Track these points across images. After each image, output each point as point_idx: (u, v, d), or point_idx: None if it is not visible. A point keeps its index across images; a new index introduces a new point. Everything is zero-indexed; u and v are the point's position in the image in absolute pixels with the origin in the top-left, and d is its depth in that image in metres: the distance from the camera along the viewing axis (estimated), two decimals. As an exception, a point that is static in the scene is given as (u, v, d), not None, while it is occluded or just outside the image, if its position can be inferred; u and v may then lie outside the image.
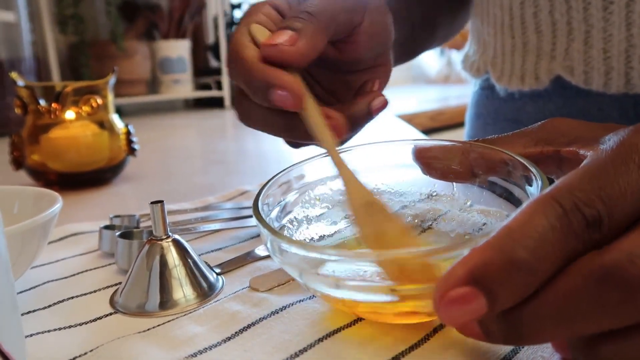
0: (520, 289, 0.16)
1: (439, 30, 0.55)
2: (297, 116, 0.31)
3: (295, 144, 0.38)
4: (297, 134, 0.32)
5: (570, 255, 0.17)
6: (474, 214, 0.30)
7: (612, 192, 0.17)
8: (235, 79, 0.32)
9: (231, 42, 0.32)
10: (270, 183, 0.29)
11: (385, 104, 0.35)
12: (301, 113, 0.30)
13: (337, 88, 0.37)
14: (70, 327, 0.26)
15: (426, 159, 0.29)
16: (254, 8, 0.34)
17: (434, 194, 0.32)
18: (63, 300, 0.29)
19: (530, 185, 0.24)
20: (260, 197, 0.27)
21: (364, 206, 0.27)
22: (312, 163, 0.31)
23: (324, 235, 0.31)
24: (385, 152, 0.32)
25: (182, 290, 0.28)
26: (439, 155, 0.29)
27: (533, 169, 0.24)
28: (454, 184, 0.31)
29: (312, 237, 0.30)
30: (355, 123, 0.33)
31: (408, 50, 0.50)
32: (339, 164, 0.28)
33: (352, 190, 0.27)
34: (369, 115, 0.34)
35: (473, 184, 0.29)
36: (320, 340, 0.24)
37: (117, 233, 0.34)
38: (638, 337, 0.16)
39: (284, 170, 0.30)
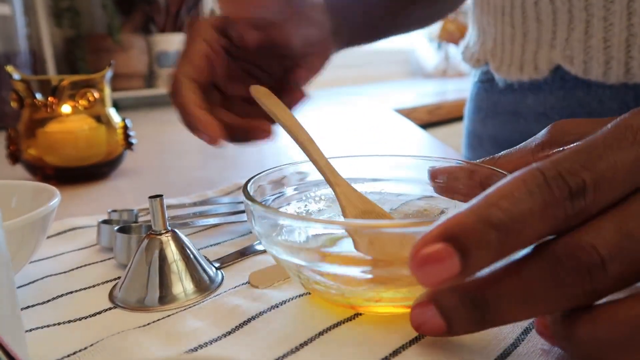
0: (493, 250, 0.16)
1: (406, 17, 0.56)
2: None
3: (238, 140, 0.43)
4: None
5: (553, 223, 0.17)
6: None
7: (600, 164, 0.17)
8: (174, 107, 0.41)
9: (175, 77, 0.40)
10: (262, 174, 0.29)
11: (303, 98, 0.41)
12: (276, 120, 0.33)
13: (276, 72, 0.43)
14: (69, 322, 0.26)
15: (439, 180, 0.31)
16: (195, 33, 0.41)
17: (433, 195, 0.32)
18: (62, 295, 0.29)
19: None
20: (251, 184, 0.27)
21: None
22: (310, 163, 0.31)
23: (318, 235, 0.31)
24: (386, 163, 0.33)
25: (182, 285, 0.28)
26: (450, 177, 0.30)
27: None
28: None
29: (308, 235, 0.30)
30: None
31: (367, 35, 0.54)
32: (317, 159, 0.30)
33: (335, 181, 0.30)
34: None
35: None
36: (321, 334, 0.24)
37: (116, 228, 0.33)
38: (606, 319, 0.17)
39: (278, 166, 0.31)
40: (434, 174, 0.30)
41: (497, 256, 0.17)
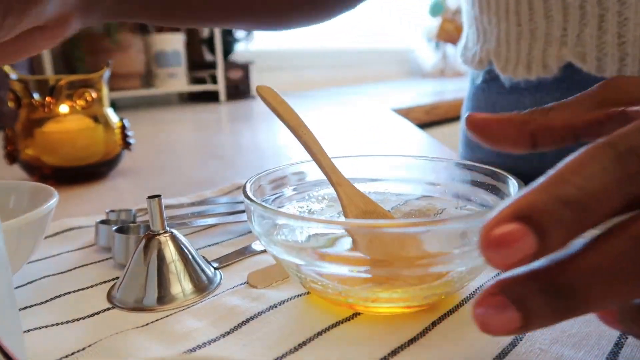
0: (570, 227, 0.16)
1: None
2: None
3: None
4: None
5: (628, 198, 0.16)
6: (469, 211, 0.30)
7: None
8: None
9: None
10: (261, 174, 0.29)
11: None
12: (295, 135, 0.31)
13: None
14: (67, 322, 0.26)
15: (480, 127, 0.26)
16: None
17: (433, 195, 0.32)
18: (60, 296, 0.29)
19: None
20: (251, 184, 0.27)
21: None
22: (310, 163, 0.31)
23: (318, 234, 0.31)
24: (386, 163, 0.33)
25: (180, 285, 0.28)
26: (493, 124, 0.26)
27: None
28: (447, 190, 0.31)
29: (309, 235, 0.30)
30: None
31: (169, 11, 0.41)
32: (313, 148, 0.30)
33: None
34: None
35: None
36: (320, 334, 0.24)
37: (114, 228, 0.33)
38: None
39: (278, 166, 0.31)
40: (472, 120, 0.26)
41: (572, 235, 0.16)
